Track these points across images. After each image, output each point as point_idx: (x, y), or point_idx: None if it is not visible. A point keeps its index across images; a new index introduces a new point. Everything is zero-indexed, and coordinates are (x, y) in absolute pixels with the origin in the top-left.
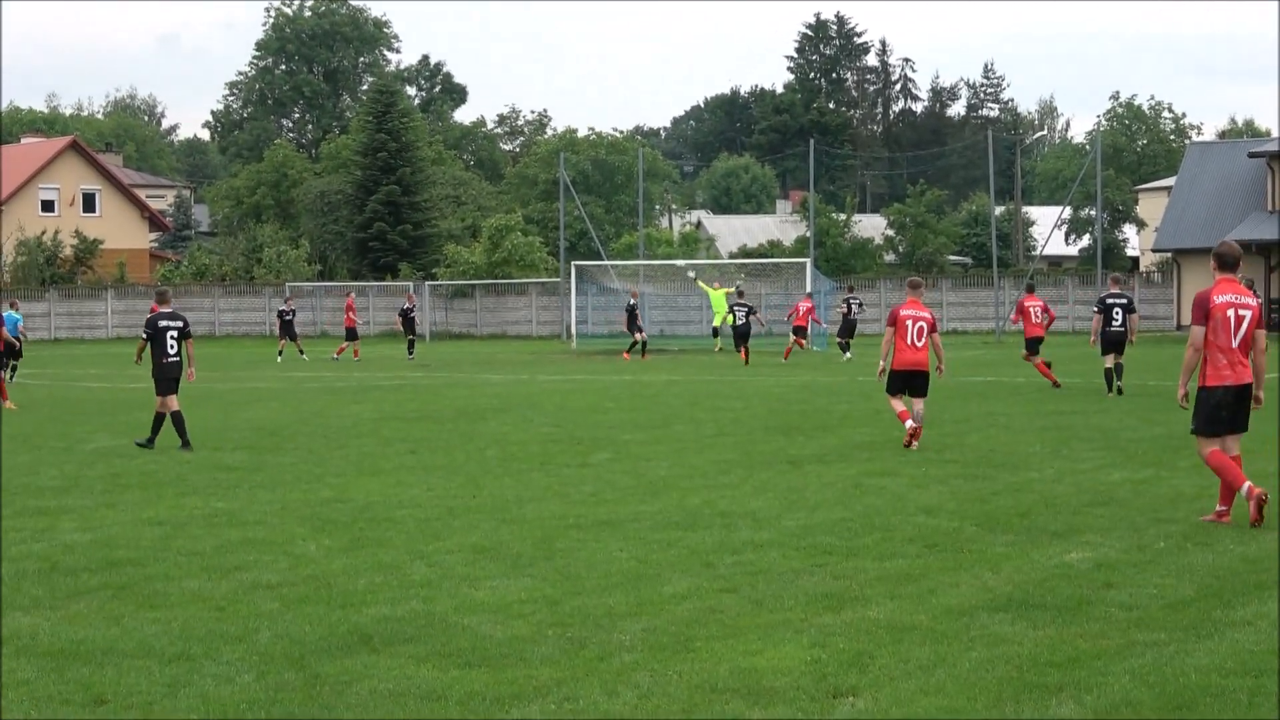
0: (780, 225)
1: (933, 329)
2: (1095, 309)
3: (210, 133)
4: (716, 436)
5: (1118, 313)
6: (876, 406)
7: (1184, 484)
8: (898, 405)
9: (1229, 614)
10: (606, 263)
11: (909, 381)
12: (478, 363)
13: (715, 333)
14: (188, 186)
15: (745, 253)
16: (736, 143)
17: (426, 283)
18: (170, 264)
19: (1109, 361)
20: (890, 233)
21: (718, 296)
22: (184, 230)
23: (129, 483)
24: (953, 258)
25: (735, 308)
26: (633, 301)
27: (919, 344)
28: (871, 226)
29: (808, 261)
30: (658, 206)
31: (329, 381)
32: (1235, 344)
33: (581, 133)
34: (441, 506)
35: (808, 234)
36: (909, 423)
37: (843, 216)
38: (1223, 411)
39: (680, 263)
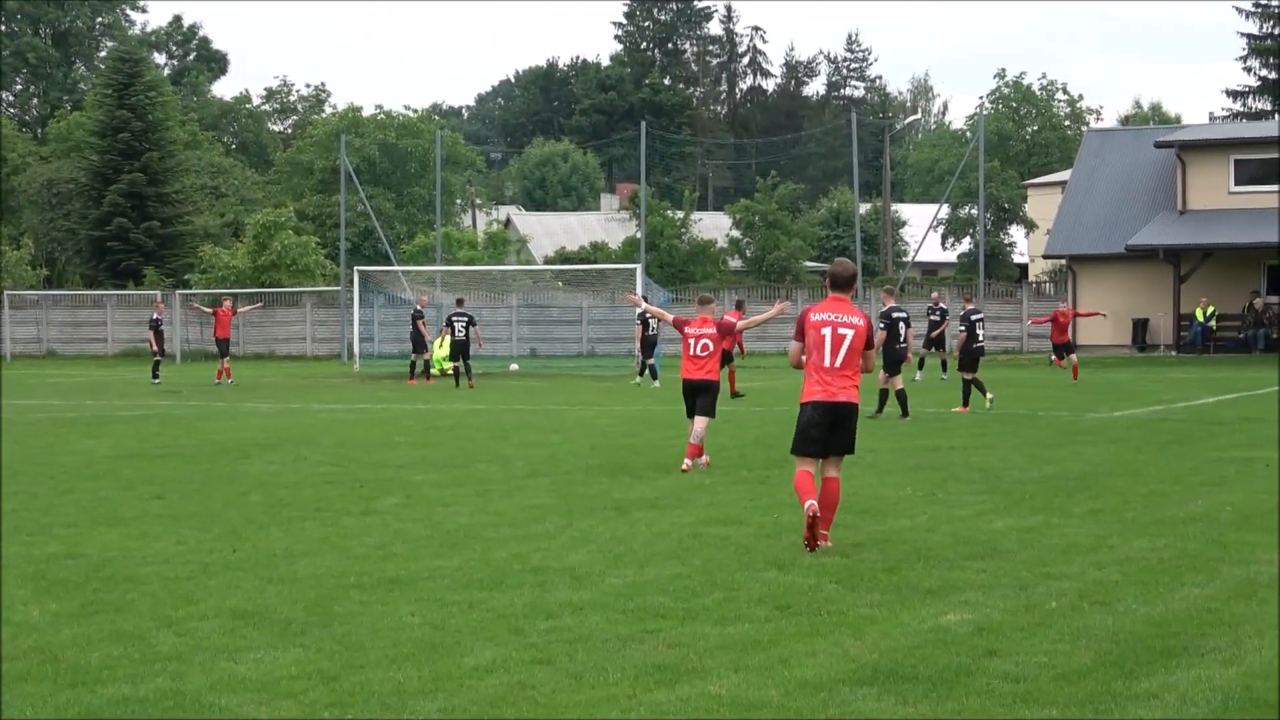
0: (606, 224)
1: (720, 341)
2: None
3: None
4: (528, 477)
5: (901, 328)
6: (721, 442)
7: (1078, 533)
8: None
9: (1131, 686)
10: (396, 268)
11: (692, 395)
12: (240, 388)
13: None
14: None
15: (564, 256)
16: (554, 125)
17: (177, 291)
18: None
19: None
20: (736, 234)
21: None
22: None
23: None
24: (810, 263)
25: (454, 318)
26: (419, 309)
27: (701, 355)
28: (714, 226)
29: (638, 268)
30: (459, 201)
31: (57, 411)
32: (830, 363)
33: (367, 111)
34: (194, 563)
35: (638, 235)
36: (692, 450)
37: (680, 214)
38: (812, 430)
39: (489, 269)
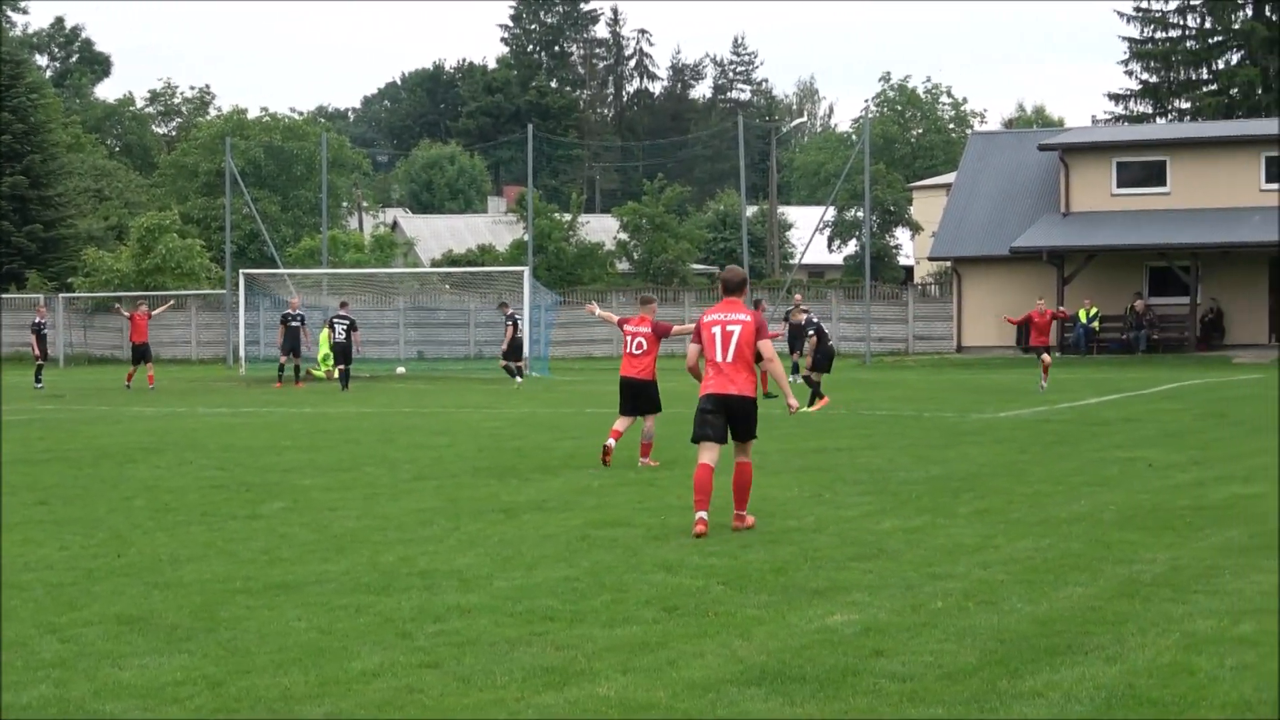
0: (493, 227)
1: (655, 340)
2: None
3: None
4: (415, 481)
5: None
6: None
7: (964, 533)
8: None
9: (1016, 684)
10: (283, 271)
11: (630, 393)
12: (124, 393)
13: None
14: None
15: (451, 259)
16: (440, 128)
17: (60, 295)
18: None
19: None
20: (623, 236)
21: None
22: None
23: None
24: (697, 266)
25: (335, 321)
26: (291, 312)
27: (636, 353)
28: (602, 229)
29: (525, 270)
30: (345, 204)
31: None
32: (720, 358)
33: (252, 114)
34: (78, 569)
35: (525, 237)
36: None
37: (567, 217)
38: (708, 417)
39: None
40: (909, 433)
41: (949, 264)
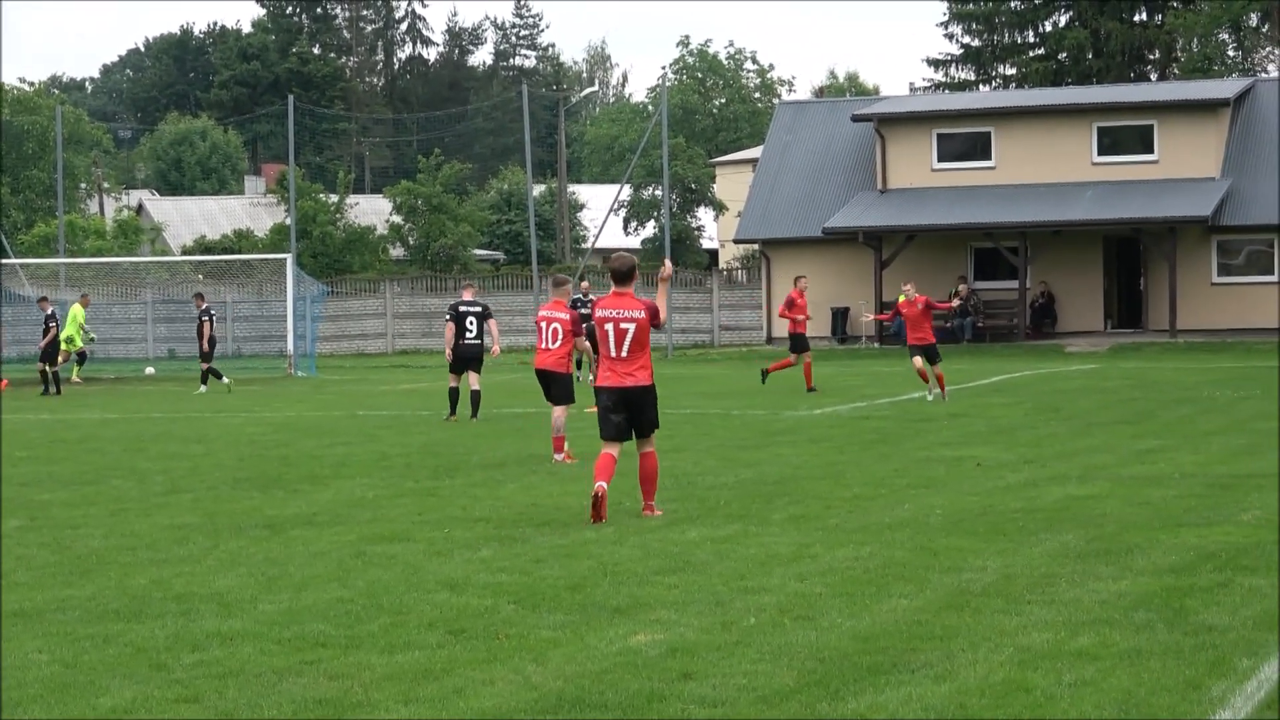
0: (251, 210)
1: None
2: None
3: None
4: (169, 494)
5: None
6: (382, 450)
7: (778, 542)
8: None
9: (837, 707)
10: (14, 261)
11: (545, 384)
12: None
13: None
14: None
15: (204, 246)
16: (190, 100)
17: None
18: None
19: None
20: (397, 219)
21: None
22: None
23: None
24: (480, 251)
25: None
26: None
27: (553, 345)
28: (372, 210)
29: (288, 258)
30: (84, 185)
31: None
32: (615, 354)
33: None
34: None
35: (287, 221)
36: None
37: (334, 198)
38: (612, 415)
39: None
40: (716, 432)
41: (757, 247)
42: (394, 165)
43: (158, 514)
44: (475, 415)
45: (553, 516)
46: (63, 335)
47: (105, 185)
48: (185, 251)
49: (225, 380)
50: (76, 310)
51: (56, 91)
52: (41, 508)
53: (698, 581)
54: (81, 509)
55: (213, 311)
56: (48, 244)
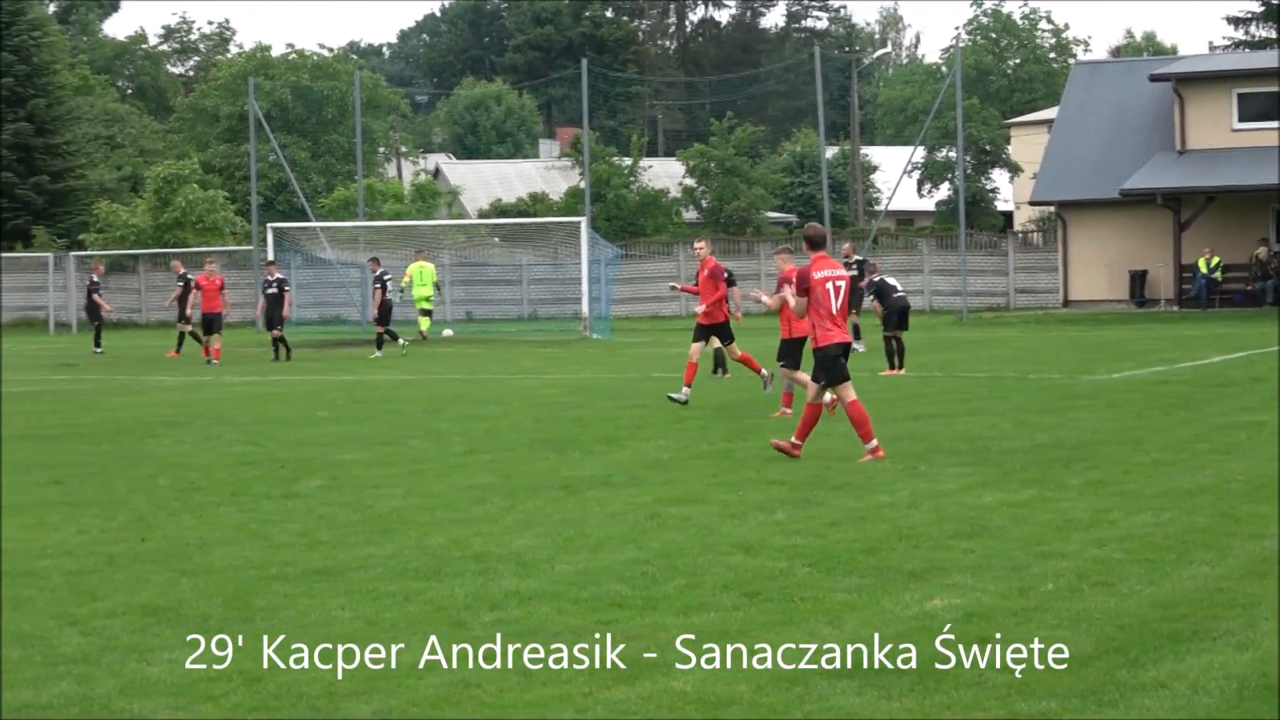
0: (546, 173)
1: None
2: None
3: None
4: (466, 455)
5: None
6: (679, 413)
7: (1075, 507)
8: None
9: (1137, 675)
10: (315, 224)
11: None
12: (143, 360)
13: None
14: None
15: (500, 209)
16: (485, 64)
17: (71, 253)
18: None
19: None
20: (690, 182)
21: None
22: None
23: None
24: (772, 214)
25: (266, 282)
26: (95, 280)
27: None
28: (665, 174)
29: (583, 221)
30: (382, 150)
31: None
32: (836, 310)
33: (277, 51)
34: (99, 554)
35: (582, 185)
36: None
37: (627, 161)
38: (842, 360)
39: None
40: (1011, 396)
41: (1052, 209)
42: (687, 128)
43: (455, 474)
44: (766, 388)
45: (847, 480)
46: (416, 295)
47: (403, 149)
48: (481, 215)
49: (401, 342)
50: (427, 268)
51: (355, 57)
52: (343, 468)
53: (994, 546)
54: (381, 469)
55: (386, 277)
56: (347, 207)
